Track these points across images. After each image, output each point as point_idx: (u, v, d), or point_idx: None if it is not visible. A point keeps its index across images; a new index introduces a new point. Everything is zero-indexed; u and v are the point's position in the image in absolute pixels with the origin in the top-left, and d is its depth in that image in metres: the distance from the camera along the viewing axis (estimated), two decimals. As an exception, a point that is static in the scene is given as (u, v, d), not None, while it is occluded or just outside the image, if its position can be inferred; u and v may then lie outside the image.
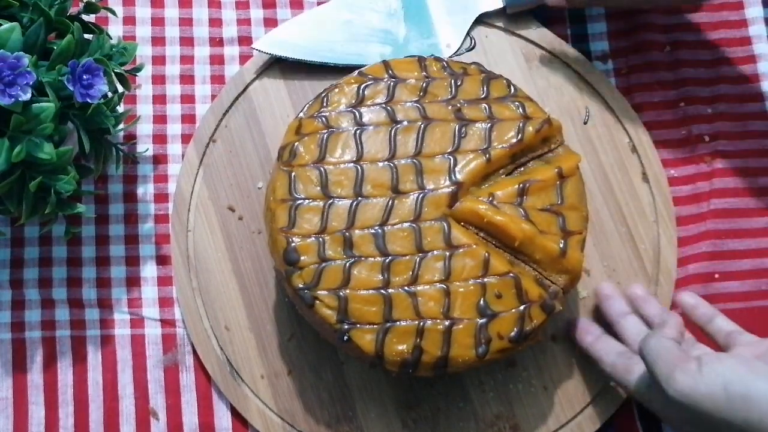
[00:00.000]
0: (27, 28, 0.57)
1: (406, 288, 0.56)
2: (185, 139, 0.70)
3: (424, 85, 0.61)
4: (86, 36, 0.60)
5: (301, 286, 0.56)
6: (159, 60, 0.72)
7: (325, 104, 0.61)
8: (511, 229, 0.57)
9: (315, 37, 0.71)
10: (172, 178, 0.70)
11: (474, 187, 0.59)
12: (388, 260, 0.57)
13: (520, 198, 0.58)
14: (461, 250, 0.57)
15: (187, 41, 0.73)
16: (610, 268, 0.68)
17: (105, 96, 0.58)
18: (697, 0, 0.71)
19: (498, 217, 0.57)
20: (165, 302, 0.68)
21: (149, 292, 0.68)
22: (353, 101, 0.61)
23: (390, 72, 0.62)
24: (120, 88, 0.62)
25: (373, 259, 0.57)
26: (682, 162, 0.71)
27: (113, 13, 0.66)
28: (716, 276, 0.68)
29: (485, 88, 0.62)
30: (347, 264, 0.56)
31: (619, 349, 0.61)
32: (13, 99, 0.53)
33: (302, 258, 0.57)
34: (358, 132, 0.59)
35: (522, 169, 0.61)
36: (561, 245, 0.58)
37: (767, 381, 0.49)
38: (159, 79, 0.71)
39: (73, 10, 0.61)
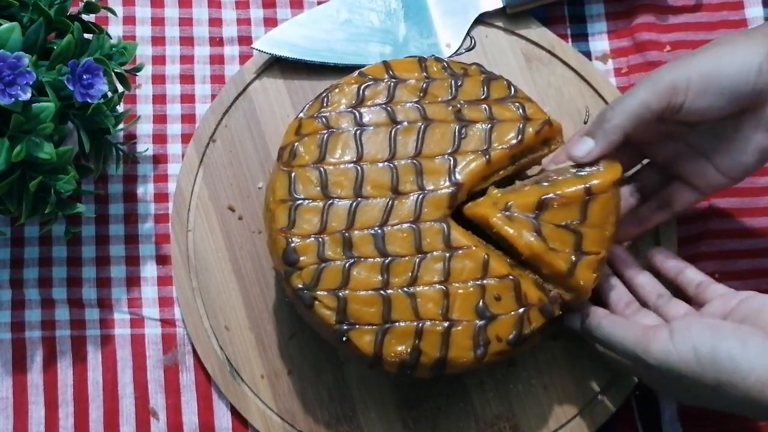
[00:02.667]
0: (27, 28, 0.57)
1: (405, 289, 0.56)
2: (185, 138, 0.70)
3: (425, 85, 0.61)
4: (86, 36, 0.60)
5: (300, 286, 0.56)
6: (159, 60, 0.72)
7: (325, 104, 0.61)
8: (518, 244, 0.56)
9: (315, 37, 0.71)
10: (172, 178, 0.70)
11: (495, 189, 0.58)
12: (387, 261, 0.57)
13: (537, 211, 0.57)
14: (461, 252, 0.57)
15: (187, 41, 0.72)
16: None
17: (105, 96, 0.58)
18: None
19: (506, 229, 0.57)
20: (165, 302, 0.68)
21: (149, 292, 0.68)
22: (353, 101, 0.61)
23: (390, 72, 0.62)
24: (120, 88, 0.62)
25: (372, 259, 0.57)
26: (682, 162, 0.71)
27: (113, 13, 0.66)
28: (716, 276, 0.68)
29: (485, 89, 0.62)
30: (347, 264, 0.56)
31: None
32: (13, 99, 0.53)
33: (302, 258, 0.57)
34: (358, 132, 0.59)
35: (552, 178, 0.59)
36: (570, 265, 0.57)
37: (731, 341, 0.52)
38: (159, 79, 0.71)
39: (73, 10, 0.61)
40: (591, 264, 0.57)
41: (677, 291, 0.63)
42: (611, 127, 0.58)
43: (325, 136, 0.59)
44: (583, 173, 0.58)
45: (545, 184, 0.58)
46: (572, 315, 0.61)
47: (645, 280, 0.63)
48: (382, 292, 0.56)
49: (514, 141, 0.59)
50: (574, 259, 0.57)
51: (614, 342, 0.57)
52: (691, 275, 0.62)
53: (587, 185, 0.57)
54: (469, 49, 0.72)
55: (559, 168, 0.60)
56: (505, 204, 0.57)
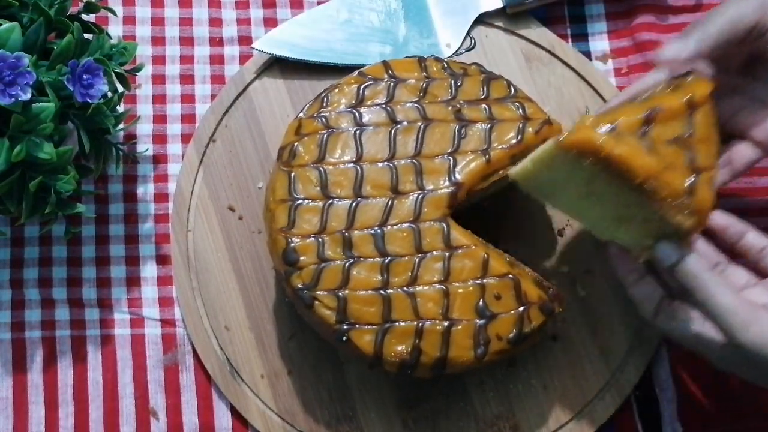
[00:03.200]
0: (27, 28, 0.57)
1: (405, 288, 0.56)
2: (185, 138, 0.71)
3: (424, 85, 0.61)
4: (86, 36, 0.60)
5: (300, 286, 0.56)
6: (159, 60, 0.72)
7: (325, 104, 0.61)
8: (635, 164, 0.49)
9: (315, 37, 0.71)
10: (172, 178, 0.70)
11: (587, 117, 0.52)
12: (387, 261, 0.57)
13: (645, 127, 0.51)
14: (460, 251, 0.57)
15: (187, 41, 0.73)
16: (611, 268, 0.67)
17: (105, 96, 0.58)
18: None
19: (619, 149, 0.49)
20: (165, 302, 0.68)
21: (149, 291, 0.68)
22: (353, 101, 0.61)
23: (390, 72, 0.62)
24: (120, 88, 0.62)
25: (372, 259, 0.57)
26: (683, 162, 0.71)
27: (113, 13, 0.66)
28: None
29: (485, 89, 0.62)
30: (346, 264, 0.56)
31: (661, 293, 0.57)
32: (13, 99, 0.53)
33: (301, 258, 0.57)
34: (357, 132, 0.59)
35: (644, 96, 0.54)
36: (689, 183, 0.50)
37: None
38: (159, 79, 0.71)
39: (73, 10, 0.61)
40: (708, 181, 0.51)
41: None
42: (705, 31, 0.55)
43: (325, 136, 0.59)
44: (675, 86, 0.54)
45: (640, 100, 0.54)
46: (670, 246, 0.53)
47: (701, 247, 0.59)
48: (382, 291, 0.56)
49: (513, 141, 0.59)
50: (692, 176, 0.51)
51: (708, 301, 0.51)
52: (754, 239, 0.59)
53: (688, 96, 0.52)
54: (469, 49, 0.72)
55: (642, 89, 0.57)
56: (608, 123, 0.51)
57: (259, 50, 0.70)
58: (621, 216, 0.54)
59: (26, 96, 0.54)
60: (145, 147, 0.70)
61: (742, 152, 0.60)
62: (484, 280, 0.57)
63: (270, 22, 0.73)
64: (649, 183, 0.49)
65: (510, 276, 0.57)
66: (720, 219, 0.59)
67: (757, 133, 0.59)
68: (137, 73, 0.66)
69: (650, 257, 0.54)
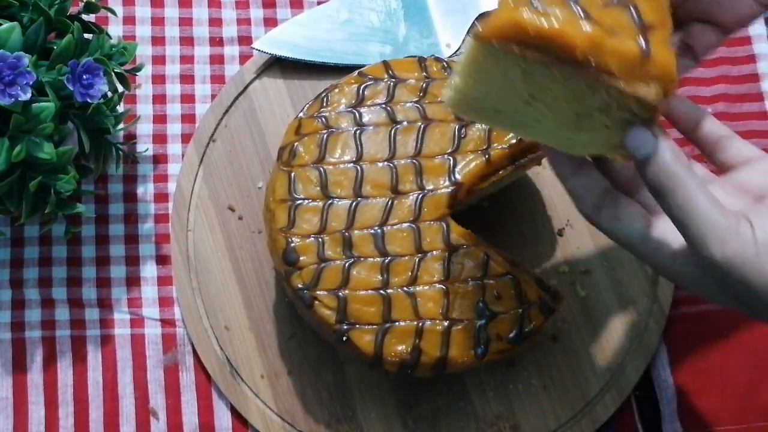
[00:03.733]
0: (27, 28, 0.57)
1: (405, 288, 0.56)
2: (185, 138, 0.71)
3: (424, 85, 0.61)
4: (86, 36, 0.60)
5: (300, 286, 0.56)
6: (159, 60, 0.72)
7: (325, 104, 0.61)
8: (570, 36, 0.41)
9: (315, 37, 0.71)
10: (172, 178, 0.70)
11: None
12: (387, 261, 0.57)
13: None
14: (460, 251, 0.57)
15: (187, 41, 0.73)
16: (610, 268, 0.68)
17: (105, 96, 0.58)
18: None
19: (547, 22, 0.41)
20: (165, 302, 0.68)
21: (149, 291, 0.68)
22: (353, 101, 0.61)
23: (390, 72, 0.62)
24: (120, 88, 0.62)
25: (372, 259, 0.57)
26: (682, 162, 0.71)
27: (113, 13, 0.66)
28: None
29: (485, 89, 0.62)
30: (346, 264, 0.56)
31: (604, 186, 0.48)
32: (13, 99, 0.53)
33: (301, 258, 0.57)
34: (357, 132, 0.59)
35: None
36: (641, 45, 0.41)
37: None
38: (159, 79, 0.71)
39: (73, 10, 0.61)
40: (663, 38, 0.43)
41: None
42: None
43: (325, 135, 0.59)
44: None
45: None
46: (642, 131, 0.44)
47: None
48: (382, 291, 0.56)
49: (513, 140, 0.59)
50: (641, 37, 0.42)
51: (684, 206, 0.42)
52: (710, 128, 0.50)
53: None
54: (469, 49, 0.72)
55: None
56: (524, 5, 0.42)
57: (259, 50, 0.70)
58: (577, 115, 0.45)
59: (26, 96, 0.54)
60: (145, 147, 0.70)
61: (704, 37, 0.50)
62: (484, 280, 0.57)
63: (270, 22, 0.73)
64: (594, 55, 0.41)
65: (510, 276, 0.57)
66: (680, 105, 0.50)
67: (719, 13, 0.49)
68: (137, 73, 0.66)
69: (626, 156, 0.46)
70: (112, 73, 0.60)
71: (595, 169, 0.49)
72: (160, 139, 0.70)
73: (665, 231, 0.46)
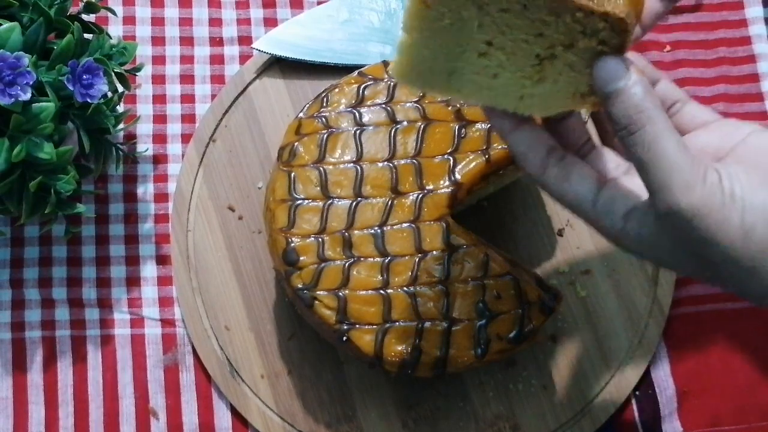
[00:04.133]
0: (27, 28, 0.57)
1: (405, 288, 0.56)
2: (185, 138, 0.71)
3: (424, 85, 0.61)
4: (86, 36, 0.60)
5: (300, 286, 0.56)
6: (159, 60, 0.72)
7: (325, 104, 0.61)
8: None
9: (315, 37, 0.71)
10: (172, 178, 0.70)
11: None
12: (387, 261, 0.57)
13: None
14: (460, 251, 0.57)
15: (187, 41, 0.73)
16: (611, 268, 0.68)
17: (105, 96, 0.58)
18: None
19: None
20: (165, 302, 0.68)
21: (149, 291, 0.68)
22: (353, 101, 0.61)
23: (390, 72, 0.62)
24: (120, 88, 0.62)
25: (372, 259, 0.57)
26: (682, 162, 0.71)
27: (113, 13, 0.66)
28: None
29: (485, 89, 0.62)
30: (346, 264, 0.56)
31: (550, 143, 0.45)
32: (13, 99, 0.53)
33: (301, 258, 0.57)
34: (357, 132, 0.59)
35: None
36: None
37: None
38: (159, 79, 0.71)
39: (73, 10, 0.61)
40: None
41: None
42: None
43: (325, 135, 0.59)
44: None
45: None
46: (614, 60, 0.40)
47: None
48: (382, 291, 0.56)
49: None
50: None
51: (651, 146, 0.39)
52: (666, 90, 0.47)
53: None
54: (469, 49, 0.72)
55: None
56: None
57: (259, 50, 0.70)
58: (538, 59, 0.42)
59: (26, 96, 0.54)
60: (145, 147, 0.70)
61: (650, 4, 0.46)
62: (484, 280, 0.57)
63: (270, 22, 0.73)
64: None
65: (510, 276, 0.57)
66: (637, 62, 0.44)
67: None
68: (137, 73, 0.66)
69: (594, 103, 0.43)
70: (112, 73, 0.60)
71: (540, 127, 0.45)
72: (160, 139, 0.70)
73: (619, 191, 0.43)
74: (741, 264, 0.40)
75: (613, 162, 0.46)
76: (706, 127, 0.46)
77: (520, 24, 0.41)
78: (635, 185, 0.43)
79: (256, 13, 0.73)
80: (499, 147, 0.59)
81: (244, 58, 0.72)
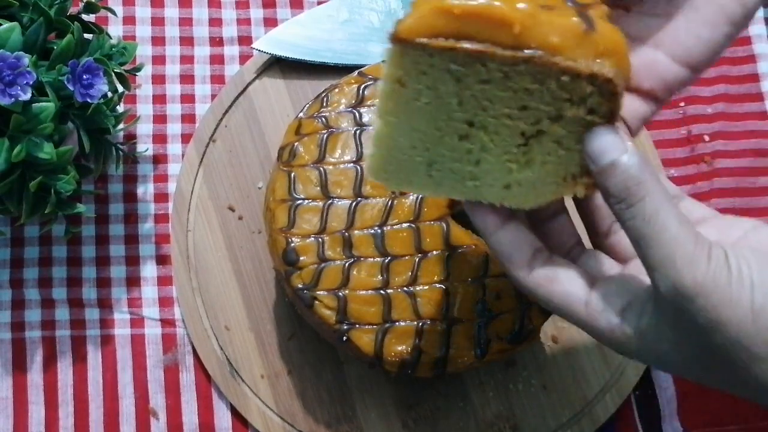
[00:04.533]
0: (27, 28, 0.57)
1: (405, 288, 0.56)
2: (185, 138, 0.71)
3: (424, 85, 0.61)
4: (86, 36, 0.60)
5: (300, 286, 0.56)
6: (159, 60, 0.72)
7: (324, 104, 0.61)
8: (499, 10, 0.37)
9: (315, 37, 0.71)
10: (172, 178, 0.70)
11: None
12: (387, 261, 0.57)
13: None
14: (460, 251, 0.57)
15: (187, 41, 0.73)
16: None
17: (105, 96, 0.58)
18: None
19: (476, 2, 0.37)
20: (165, 302, 0.68)
21: (149, 291, 0.68)
22: (353, 101, 0.61)
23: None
24: (120, 88, 0.62)
25: (372, 259, 0.57)
26: (682, 162, 0.71)
27: (113, 13, 0.66)
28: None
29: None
30: (346, 264, 0.56)
31: (536, 245, 0.43)
32: (13, 99, 0.53)
33: (301, 258, 0.57)
34: (357, 132, 0.59)
35: None
36: (577, 19, 0.38)
37: None
38: (159, 79, 0.72)
39: (73, 10, 0.61)
40: (603, 16, 0.39)
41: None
42: None
43: (325, 135, 0.59)
44: None
45: None
46: (607, 130, 0.39)
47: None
48: (382, 291, 0.56)
49: None
50: (576, 15, 0.38)
51: (651, 220, 0.37)
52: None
53: None
54: (469, 49, 0.72)
55: None
56: None
57: (259, 50, 0.70)
58: (524, 137, 0.40)
59: (26, 96, 0.54)
60: (145, 147, 0.70)
61: (636, 109, 0.43)
62: (485, 280, 0.57)
63: (270, 22, 0.73)
64: (531, 33, 0.37)
65: (510, 276, 0.57)
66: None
67: (645, 81, 0.43)
68: (137, 73, 0.66)
69: (587, 185, 0.41)
70: (112, 73, 0.60)
71: (525, 226, 0.43)
72: (160, 139, 0.71)
73: (613, 286, 0.41)
74: (752, 350, 0.36)
75: (606, 264, 0.44)
76: (704, 223, 0.43)
77: (502, 96, 0.39)
78: (631, 279, 0.41)
79: (256, 13, 0.73)
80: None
81: (244, 58, 0.72)
